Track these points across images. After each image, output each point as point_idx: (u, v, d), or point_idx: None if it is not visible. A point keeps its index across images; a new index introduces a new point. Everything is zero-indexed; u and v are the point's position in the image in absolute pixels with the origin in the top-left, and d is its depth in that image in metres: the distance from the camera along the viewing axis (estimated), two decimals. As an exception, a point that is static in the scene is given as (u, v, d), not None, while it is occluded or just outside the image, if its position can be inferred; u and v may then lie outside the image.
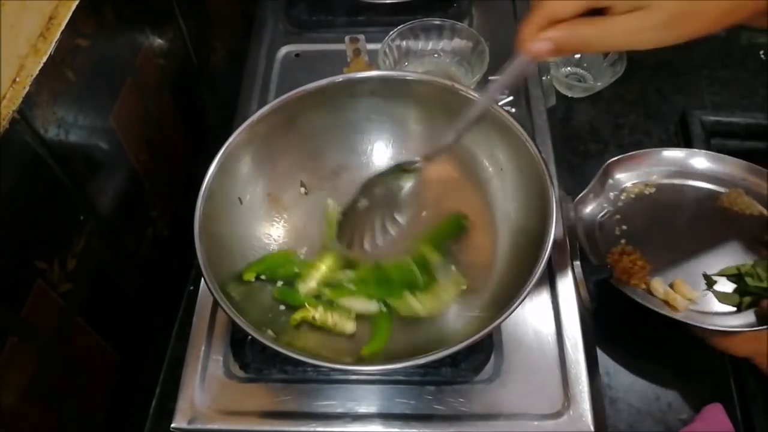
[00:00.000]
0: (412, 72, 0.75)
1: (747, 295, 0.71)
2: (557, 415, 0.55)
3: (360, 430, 0.55)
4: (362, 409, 0.56)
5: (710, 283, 0.74)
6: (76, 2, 0.52)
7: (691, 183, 0.83)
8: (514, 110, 0.76)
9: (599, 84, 0.94)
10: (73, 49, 0.52)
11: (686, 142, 0.89)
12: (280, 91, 0.79)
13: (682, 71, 0.99)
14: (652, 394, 0.71)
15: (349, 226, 0.60)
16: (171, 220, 0.74)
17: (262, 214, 0.64)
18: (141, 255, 0.68)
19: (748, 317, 0.70)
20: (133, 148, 0.65)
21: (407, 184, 0.59)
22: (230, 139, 0.59)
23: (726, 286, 0.73)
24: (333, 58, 0.83)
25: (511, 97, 0.78)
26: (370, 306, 0.59)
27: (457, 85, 0.62)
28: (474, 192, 0.64)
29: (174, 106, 0.74)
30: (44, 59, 0.49)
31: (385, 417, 0.56)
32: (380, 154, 0.69)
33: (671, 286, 0.73)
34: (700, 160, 0.83)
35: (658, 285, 0.72)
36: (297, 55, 0.86)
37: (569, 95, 0.96)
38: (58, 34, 0.50)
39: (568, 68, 0.97)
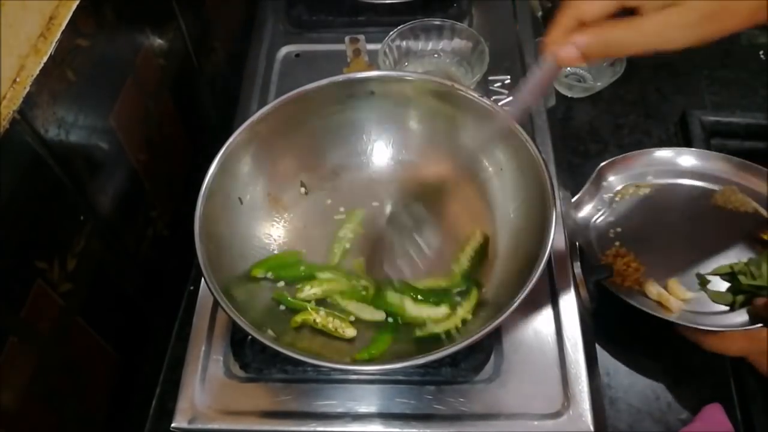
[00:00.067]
0: (412, 72, 0.75)
1: (740, 294, 0.71)
2: (557, 414, 0.55)
3: (360, 430, 0.55)
4: (362, 409, 0.56)
5: (704, 282, 0.74)
6: (77, 2, 0.52)
7: (684, 182, 0.83)
8: (514, 110, 0.76)
9: (599, 84, 0.94)
10: (73, 49, 0.52)
11: (686, 143, 0.89)
12: (280, 91, 0.79)
13: (682, 71, 0.99)
14: (652, 394, 0.71)
15: (377, 258, 0.59)
16: (171, 220, 0.74)
17: (262, 214, 0.64)
18: (141, 255, 0.68)
19: (742, 316, 0.70)
20: (133, 148, 0.65)
21: (428, 206, 0.58)
22: (230, 139, 0.59)
23: (720, 285, 0.73)
24: (333, 58, 0.83)
25: (511, 98, 0.78)
26: (375, 315, 0.59)
27: (457, 85, 0.62)
28: (474, 192, 0.64)
29: (174, 106, 0.74)
30: (45, 59, 0.49)
31: (385, 417, 0.56)
32: (380, 154, 0.69)
33: (665, 287, 0.72)
34: (693, 159, 0.83)
35: (652, 287, 0.72)
36: (297, 55, 0.86)
37: (569, 95, 0.96)
38: (58, 34, 0.50)
39: (568, 68, 0.97)
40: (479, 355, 0.58)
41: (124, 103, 0.62)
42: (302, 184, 0.67)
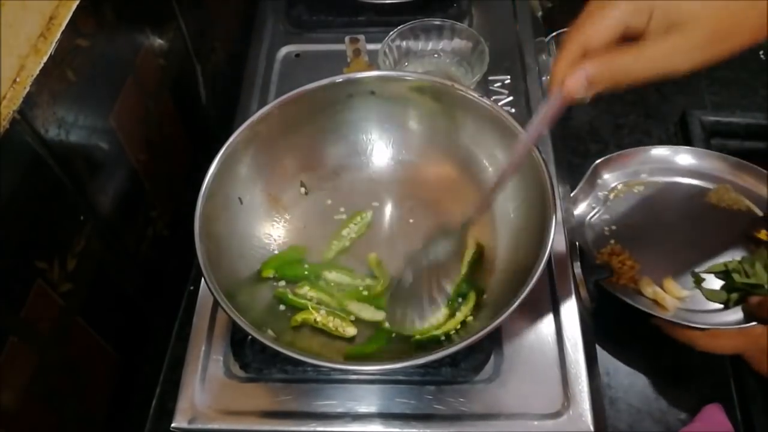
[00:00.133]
0: (412, 72, 0.75)
1: (734, 292, 0.71)
2: (557, 414, 0.55)
3: (360, 430, 0.55)
4: (362, 409, 0.56)
5: (698, 280, 0.74)
6: (77, 2, 0.52)
7: (679, 180, 0.83)
8: (514, 110, 0.76)
9: (599, 84, 0.94)
10: (73, 49, 0.52)
11: (686, 142, 0.89)
12: (280, 91, 0.79)
13: (682, 71, 0.99)
14: (651, 394, 0.71)
15: (399, 304, 0.58)
16: (171, 220, 0.74)
17: (262, 214, 0.64)
18: (141, 255, 0.68)
19: (736, 314, 0.70)
20: (133, 148, 0.65)
21: (447, 250, 0.58)
22: (230, 139, 0.59)
23: (714, 283, 0.73)
24: (333, 58, 0.83)
25: (511, 98, 0.78)
26: (376, 315, 0.59)
27: (457, 85, 0.62)
28: (474, 192, 0.64)
29: (174, 106, 0.74)
30: (45, 59, 0.49)
31: (385, 417, 0.56)
32: (380, 154, 0.69)
33: (660, 285, 0.72)
34: (688, 157, 0.83)
35: (647, 285, 0.72)
36: (297, 55, 0.86)
37: (569, 95, 0.96)
38: (58, 34, 0.50)
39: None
40: (479, 355, 0.58)
41: (124, 103, 0.62)
42: (302, 184, 0.67)
